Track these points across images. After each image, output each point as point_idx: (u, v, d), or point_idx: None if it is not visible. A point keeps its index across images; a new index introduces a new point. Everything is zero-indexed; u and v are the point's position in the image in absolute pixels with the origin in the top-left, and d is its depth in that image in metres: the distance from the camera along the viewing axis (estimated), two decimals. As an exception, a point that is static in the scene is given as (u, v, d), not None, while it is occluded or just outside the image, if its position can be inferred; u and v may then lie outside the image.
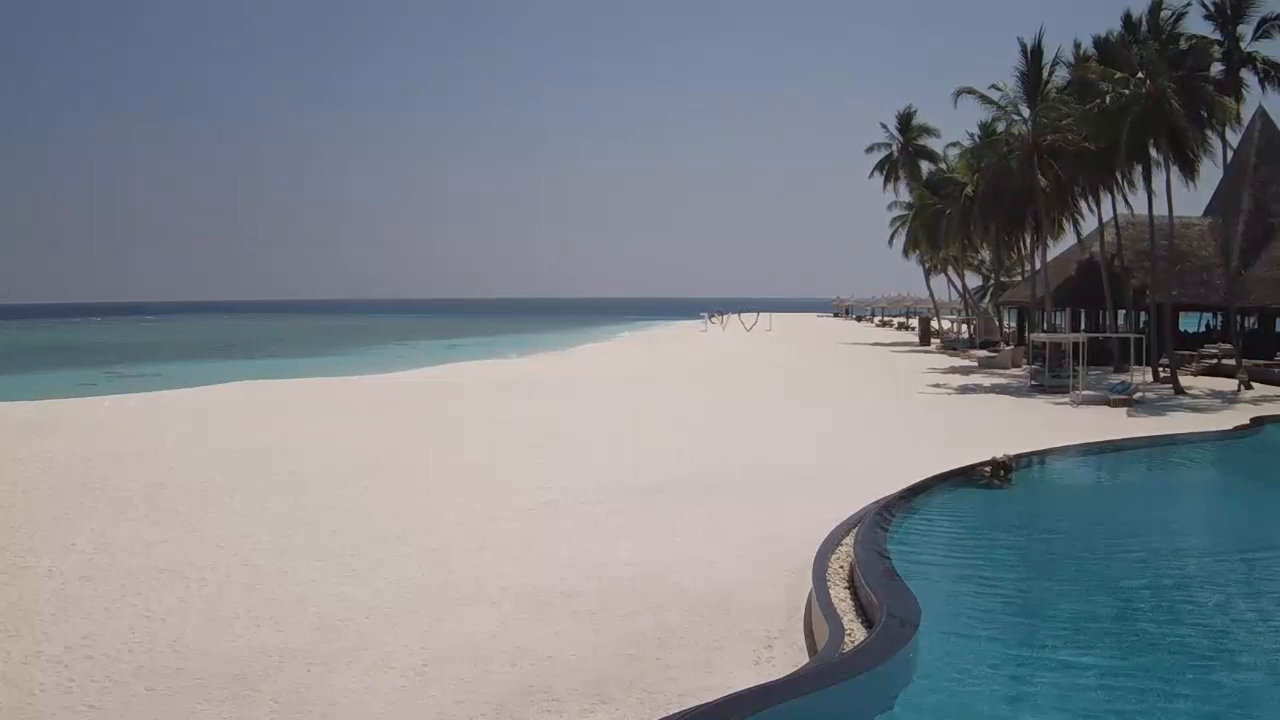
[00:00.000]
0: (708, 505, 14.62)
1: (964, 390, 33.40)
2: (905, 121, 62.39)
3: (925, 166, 61.20)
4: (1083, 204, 41.78)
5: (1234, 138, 38.98)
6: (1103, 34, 35.89)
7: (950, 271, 64.69)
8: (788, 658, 8.54)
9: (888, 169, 62.87)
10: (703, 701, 7.09)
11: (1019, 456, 17.42)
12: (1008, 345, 49.28)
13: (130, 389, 34.74)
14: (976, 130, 47.50)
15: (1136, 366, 35.01)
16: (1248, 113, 38.71)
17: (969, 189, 45.23)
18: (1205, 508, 17.58)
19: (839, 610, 9.14)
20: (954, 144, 54.89)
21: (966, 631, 9.51)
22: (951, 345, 58.61)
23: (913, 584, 9.66)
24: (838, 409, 27.88)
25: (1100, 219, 41.68)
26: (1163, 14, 33.41)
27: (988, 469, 16.26)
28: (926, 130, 61.79)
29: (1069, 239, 45.23)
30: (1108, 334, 38.29)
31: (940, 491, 15.15)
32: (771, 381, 37.09)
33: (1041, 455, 18.96)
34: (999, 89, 39.28)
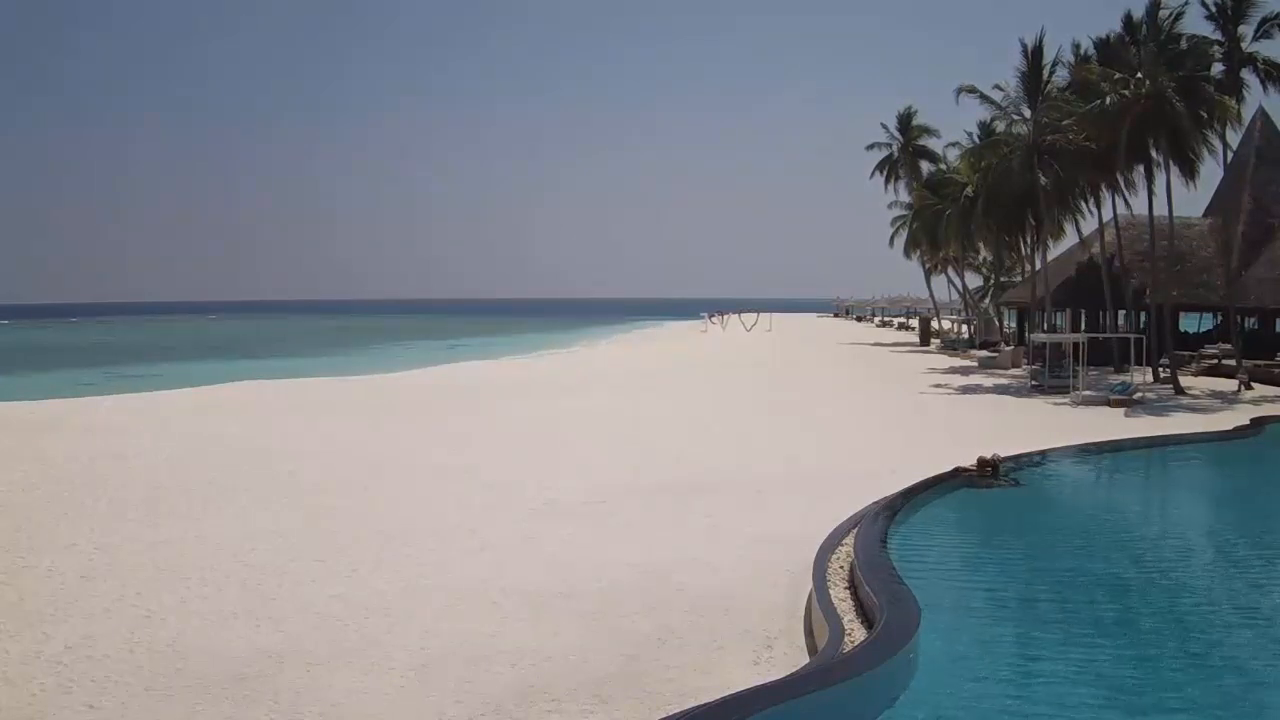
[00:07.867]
0: (708, 505, 14.62)
1: (964, 390, 33.38)
2: (905, 121, 62.41)
3: (925, 166, 61.25)
4: (1083, 204, 41.81)
5: (1234, 138, 39.09)
6: (1103, 35, 35.97)
7: (950, 272, 64.74)
8: (788, 658, 8.55)
9: (888, 169, 62.91)
10: (702, 701, 7.08)
11: (1018, 457, 17.42)
12: (1008, 345, 49.22)
13: (130, 389, 34.70)
14: (977, 130, 47.60)
15: (1136, 367, 35.00)
16: (1248, 113, 38.80)
17: (969, 189, 45.23)
18: (1205, 508, 17.57)
19: (839, 610, 9.14)
20: (954, 144, 54.97)
21: (966, 630, 9.51)
22: (952, 345, 58.53)
23: (912, 584, 9.65)
24: (838, 409, 27.88)
25: (1100, 219, 41.73)
26: (1161, 14, 33.41)
27: (974, 468, 16.25)
28: (927, 130, 61.82)
29: (1069, 239, 45.30)
30: (1108, 334, 38.27)
31: (939, 492, 15.16)
32: (771, 382, 37.07)
33: (1040, 455, 18.94)
34: (1001, 89, 39.36)
